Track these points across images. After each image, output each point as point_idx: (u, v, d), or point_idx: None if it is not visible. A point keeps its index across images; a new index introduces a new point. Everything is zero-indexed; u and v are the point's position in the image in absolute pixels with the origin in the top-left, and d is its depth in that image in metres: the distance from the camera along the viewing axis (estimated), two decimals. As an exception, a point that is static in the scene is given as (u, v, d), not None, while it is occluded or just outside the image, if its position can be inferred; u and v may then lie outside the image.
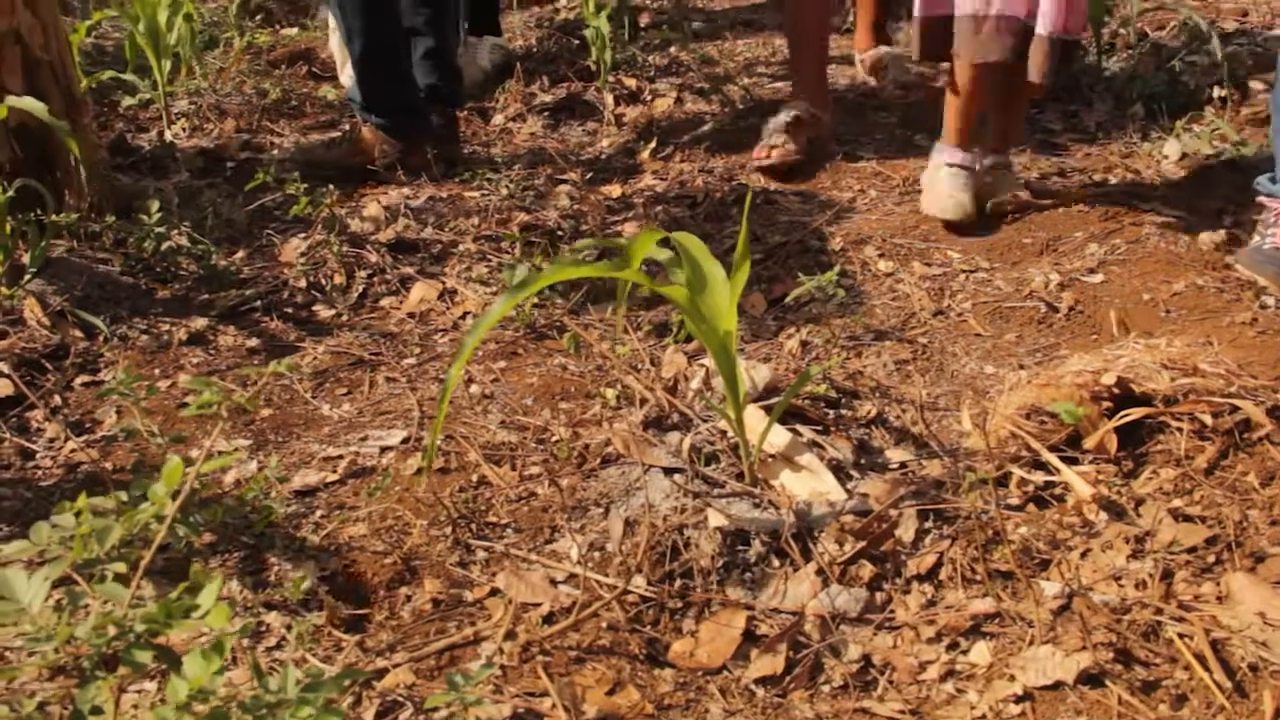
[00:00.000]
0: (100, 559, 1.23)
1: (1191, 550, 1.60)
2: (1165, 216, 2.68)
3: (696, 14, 4.67)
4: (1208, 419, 1.77)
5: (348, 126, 3.22)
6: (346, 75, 3.29)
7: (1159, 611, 1.50)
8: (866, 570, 1.63)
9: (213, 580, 1.08)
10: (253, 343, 2.32)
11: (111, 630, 1.05)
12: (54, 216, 2.47)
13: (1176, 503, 1.69)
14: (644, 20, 4.35)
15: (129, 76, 3.56)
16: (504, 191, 2.97)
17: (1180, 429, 1.78)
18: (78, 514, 1.30)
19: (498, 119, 3.60)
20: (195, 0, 3.79)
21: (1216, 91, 3.31)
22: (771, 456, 1.82)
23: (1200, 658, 1.44)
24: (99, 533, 1.21)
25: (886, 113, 3.60)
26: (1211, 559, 1.59)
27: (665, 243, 1.76)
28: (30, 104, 2.33)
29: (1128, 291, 2.36)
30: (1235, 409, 1.78)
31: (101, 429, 2.06)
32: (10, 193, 2.37)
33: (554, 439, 1.96)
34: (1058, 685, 1.43)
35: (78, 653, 1.07)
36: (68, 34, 2.66)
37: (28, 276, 2.36)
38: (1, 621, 1.03)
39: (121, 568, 1.22)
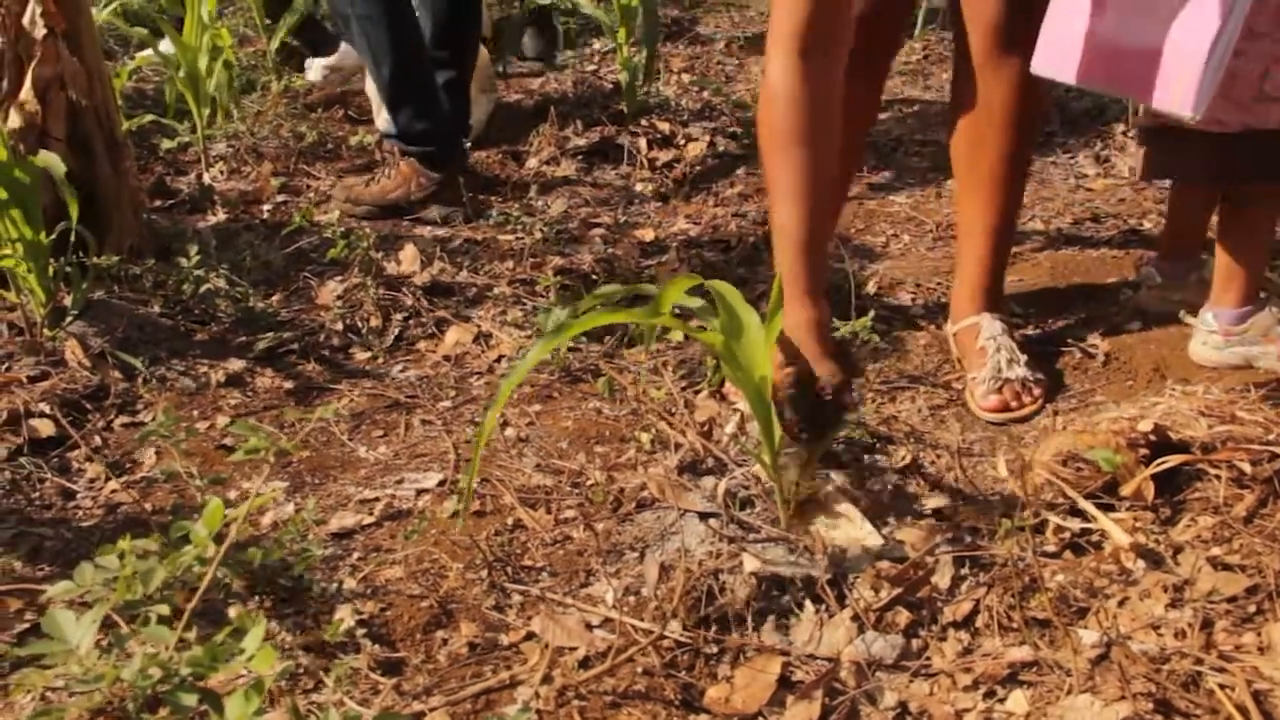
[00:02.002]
0: (143, 601, 1.24)
1: (1231, 599, 1.58)
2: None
3: (725, 55, 4.70)
4: (1246, 467, 1.76)
5: (384, 167, 3.26)
6: (383, 119, 3.34)
7: (1199, 661, 1.49)
8: (902, 617, 1.62)
9: (257, 623, 1.09)
10: (289, 385, 2.34)
11: (156, 672, 1.06)
12: (95, 259, 2.51)
13: (1215, 551, 1.68)
14: (676, 65, 4.38)
15: (169, 120, 3.61)
16: (538, 235, 2.99)
17: (1218, 477, 1.78)
18: (121, 555, 1.31)
19: (531, 162, 3.63)
20: (233, 45, 3.84)
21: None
22: (806, 502, 1.82)
23: (1242, 709, 1.42)
24: (143, 575, 1.23)
25: (918, 157, 3.61)
26: (1252, 608, 1.57)
27: (700, 287, 1.77)
28: (51, 161, 2.37)
29: (1164, 338, 2.36)
30: (1274, 456, 1.77)
31: (141, 470, 2.08)
32: (53, 236, 2.41)
33: (589, 483, 1.97)
34: (1097, 735, 1.42)
35: (122, 694, 1.08)
36: (110, 79, 2.70)
37: (69, 319, 2.39)
38: (52, 662, 1.04)
39: (164, 610, 1.23)
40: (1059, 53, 1.96)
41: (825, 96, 1.90)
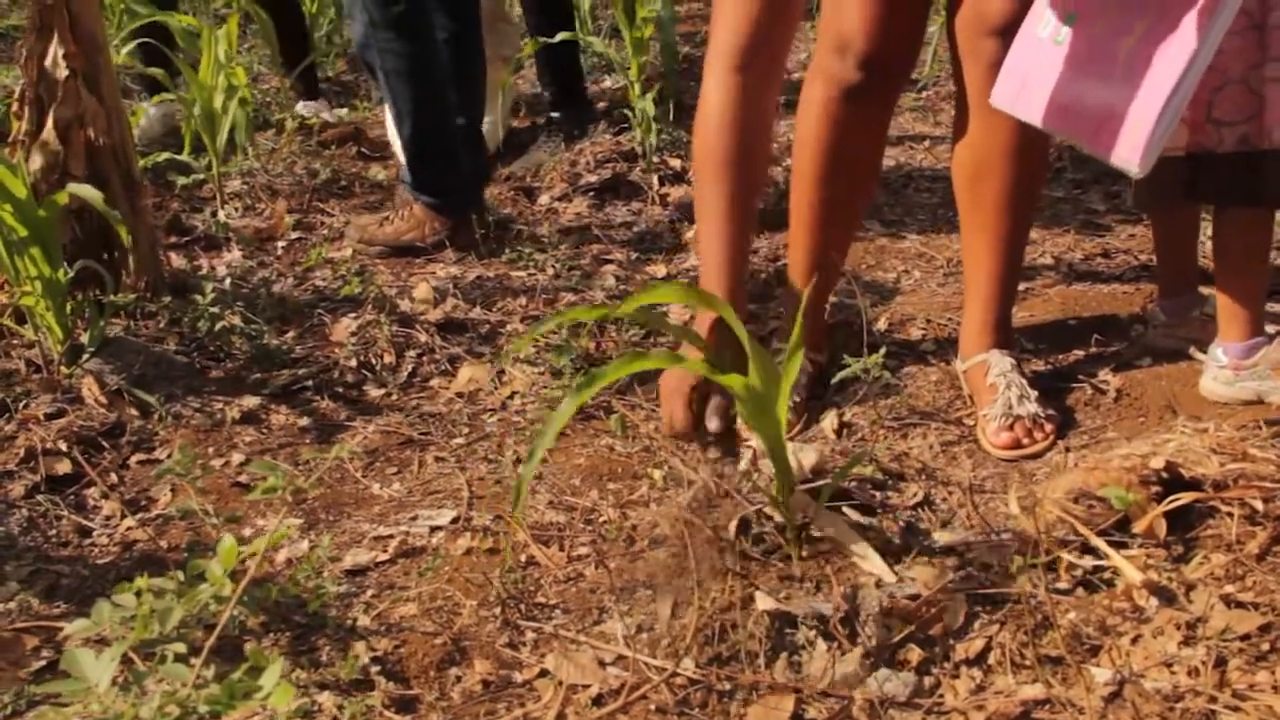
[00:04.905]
0: (160, 639, 1.25)
1: (1245, 637, 1.58)
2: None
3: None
4: (1258, 504, 1.76)
5: (398, 204, 3.29)
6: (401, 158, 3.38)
7: (1213, 700, 1.49)
8: (915, 654, 1.63)
9: (274, 661, 1.10)
10: (304, 422, 2.35)
11: (174, 710, 1.07)
12: (112, 296, 2.53)
13: (1228, 589, 1.68)
14: (687, 102, 4.40)
15: (184, 157, 3.64)
16: (550, 271, 3.01)
17: (1230, 514, 1.78)
18: (138, 593, 1.33)
19: (543, 199, 3.65)
20: (248, 84, 3.87)
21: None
22: (819, 539, 1.83)
23: (1255, 748, 1.43)
24: (160, 613, 1.24)
25: (929, 194, 3.62)
26: (1266, 646, 1.57)
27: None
28: (89, 193, 2.40)
29: (1175, 373, 2.36)
30: (1286, 494, 1.77)
31: (157, 507, 2.09)
32: (71, 273, 2.43)
33: (602, 520, 1.98)
34: (1111, 774, 1.42)
35: (140, 733, 1.09)
36: (127, 117, 2.73)
37: (86, 356, 2.41)
38: (70, 700, 1.05)
39: (181, 648, 1.24)
40: (1012, 91, 2.01)
41: (758, 116, 1.92)
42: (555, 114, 4.10)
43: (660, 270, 3.09)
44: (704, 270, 1.92)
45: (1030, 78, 1.98)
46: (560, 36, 3.79)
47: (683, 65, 4.92)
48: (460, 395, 2.46)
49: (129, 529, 2.02)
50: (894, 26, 2.16)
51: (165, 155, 3.56)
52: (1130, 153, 1.81)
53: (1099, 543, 1.78)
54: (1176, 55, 1.76)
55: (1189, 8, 1.75)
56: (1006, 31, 2.07)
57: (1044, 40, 1.97)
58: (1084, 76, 1.91)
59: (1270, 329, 2.27)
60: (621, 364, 1.69)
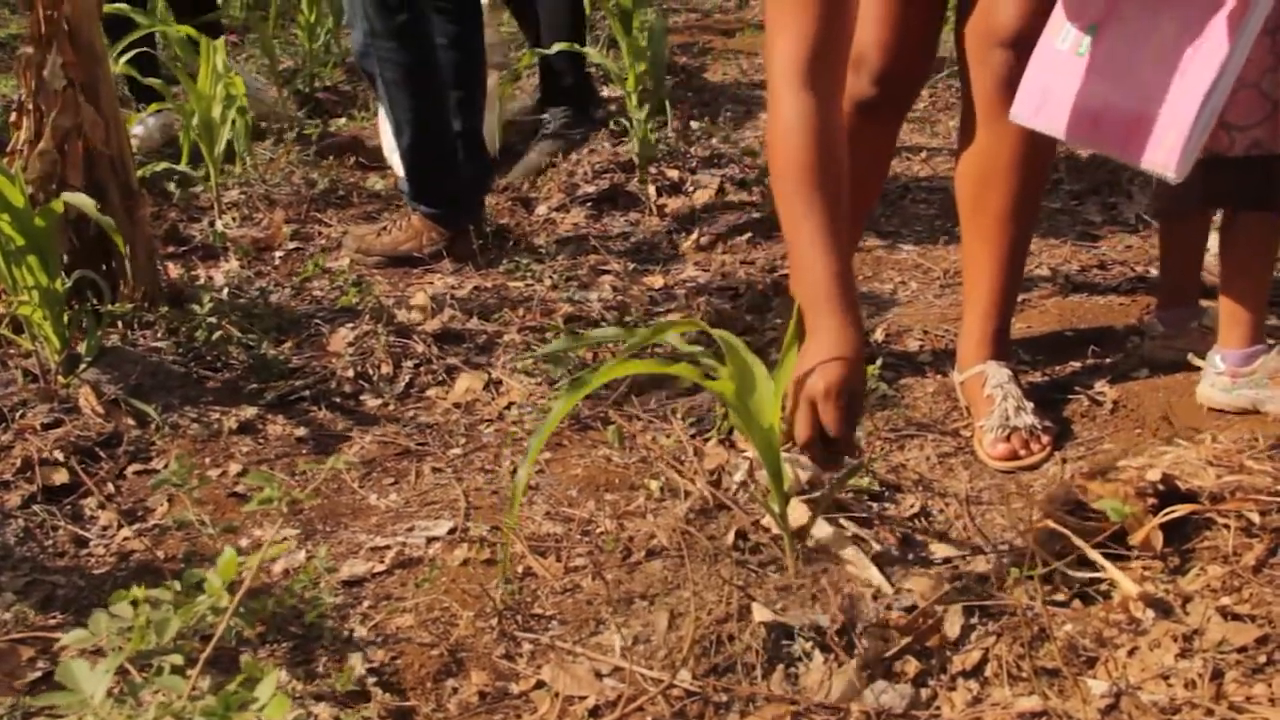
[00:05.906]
0: (157, 650, 1.25)
1: (1242, 650, 1.58)
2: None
3: (733, 103, 4.72)
4: (1255, 516, 1.76)
5: (395, 214, 3.30)
6: (398, 168, 3.38)
7: (1210, 712, 1.49)
8: (912, 666, 1.63)
9: (270, 672, 1.10)
10: (301, 432, 2.35)
11: (170, 722, 1.07)
12: (109, 306, 2.53)
13: (1225, 601, 1.68)
14: (685, 112, 4.40)
15: (183, 167, 3.64)
16: (547, 282, 3.02)
17: (1227, 526, 1.78)
18: (135, 604, 1.32)
19: (541, 209, 3.66)
20: (247, 94, 3.87)
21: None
22: (815, 550, 1.83)
23: (1252, 760, 1.42)
24: (157, 624, 1.24)
25: (926, 204, 3.63)
26: (1263, 659, 1.57)
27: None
28: (83, 201, 2.40)
29: (1171, 385, 2.36)
30: (1283, 506, 1.77)
31: (153, 517, 2.09)
32: (69, 283, 2.43)
33: (599, 531, 1.98)
34: (1107, 787, 1.42)
35: (136, 744, 1.09)
36: (126, 127, 2.73)
37: (83, 366, 2.41)
38: (65, 712, 1.05)
39: (178, 659, 1.24)
40: (1033, 105, 2.01)
41: (832, 127, 1.90)
42: (559, 124, 4.10)
43: (658, 281, 3.09)
44: (810, 285, 1.82)
45: (1052, 91, 1.98)
46: (556, 48, 3.79)
47: (681, 75, 4.94)
48: (457, 406, 2.46)
49: (125, 539, 2.02)
50: (909, 40, 2.17)
51: (163, 165, 3.55)
52: (1167, 156, 1.81)
53: (1095, 555, 1.77)
54: (1209, 57, 1.77)
55: (1215, 10, 1.76)
56: (1017, 43, 2.08)
57: (1064, 52, 1.97)
58: (1110, 85, 1.91)
59: (1270, 341, 2.27)
60: (612, 368, 1.70)
